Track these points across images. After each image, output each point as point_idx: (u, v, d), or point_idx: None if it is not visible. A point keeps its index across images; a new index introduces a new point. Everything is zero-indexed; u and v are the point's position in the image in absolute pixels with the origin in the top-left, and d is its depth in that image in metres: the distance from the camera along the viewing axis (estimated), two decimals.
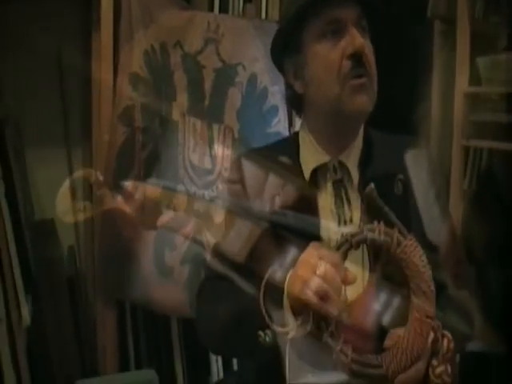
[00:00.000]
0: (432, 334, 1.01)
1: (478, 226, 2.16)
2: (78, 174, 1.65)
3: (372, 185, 1.06)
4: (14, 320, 1.82)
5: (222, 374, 2.29)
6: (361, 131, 1.29)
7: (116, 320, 2.12)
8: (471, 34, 2.35)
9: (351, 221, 1.22)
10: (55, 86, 2.33)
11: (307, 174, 1.25)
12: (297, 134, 1.34)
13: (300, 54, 1.24)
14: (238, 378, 1.53)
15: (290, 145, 1.31)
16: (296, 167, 1.27)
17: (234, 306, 1.14)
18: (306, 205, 1.21)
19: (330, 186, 1.24)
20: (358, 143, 1.28)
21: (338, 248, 1.02)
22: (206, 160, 2.12)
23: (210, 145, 2.13)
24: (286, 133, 2.27)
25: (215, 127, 2.14)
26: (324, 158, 1.25)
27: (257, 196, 1.24)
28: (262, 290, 1.04)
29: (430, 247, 1.08)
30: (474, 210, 2.28)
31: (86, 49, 2.29)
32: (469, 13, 2.35)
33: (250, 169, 1.31)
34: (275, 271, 1.05)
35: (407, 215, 1.16)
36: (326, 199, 1.23)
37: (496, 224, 2.11)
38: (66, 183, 1.59)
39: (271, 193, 1.22)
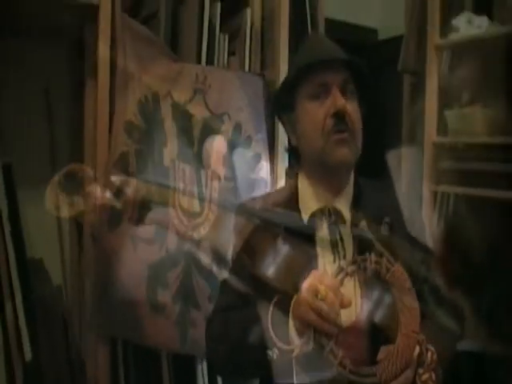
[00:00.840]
0: (418, 348, 1.16)
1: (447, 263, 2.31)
2: (68, 168, 1.74)
3: (364, 222, 1.28)
4: (13, 355, 1.86)
5: None
6: (351, 179, 1.44)
7: (108, 355, 2.14)
8: (438, 87, 2.53)
9: (344, 257, 1.36)
10: (45, 132, 2.41)
11: (305, 218, 1.39)
12: (296, 181, 1.48)
13: (294, 112, 1.42)
14: None
15: (291, 192, 1.46)
16: (296, 212, 1.41)
17: (242, 329, 1.27)
18: (305, 243, 1.35)
19: (325, 227, 1.38)
20: (350, 189, 1.43)
21: (336, 276, 1.18)
22: (195, 203, 2.22)
23: (199, 189, 2.23)
24: (268, 179, 2.38)
25: (203, 173, 2.25)
26: (320, 203, 1.40)
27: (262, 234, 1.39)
28: (269, 315, 1.19)
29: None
30: (442, 249, 2.43)
31: (76, 95, 2.40)
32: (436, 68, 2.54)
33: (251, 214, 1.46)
34: (280, 299, 1.20)
35: (394, 250, 1.29)
36: (322, 239, 1.37)
37: (463, 260, 2.27)
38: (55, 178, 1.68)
39: (274, 234, 1.36)
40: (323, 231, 1.38)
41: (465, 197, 2.48)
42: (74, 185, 2.05)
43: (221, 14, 2.41)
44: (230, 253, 1.99)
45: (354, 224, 1.35)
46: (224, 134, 2.30)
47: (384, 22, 3.60)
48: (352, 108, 1.37)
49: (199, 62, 2.35)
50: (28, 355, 1.85)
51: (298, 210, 1.41)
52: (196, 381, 2.36)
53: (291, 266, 1.25)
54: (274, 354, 1.19)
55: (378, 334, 1.23)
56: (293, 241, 1.32)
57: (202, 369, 2.37)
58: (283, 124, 1.50)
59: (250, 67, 2.49)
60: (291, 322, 1.18)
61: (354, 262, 1.19)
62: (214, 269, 2.16)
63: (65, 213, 1.87)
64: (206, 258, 2.19)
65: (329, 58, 1.38)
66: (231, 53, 2.48)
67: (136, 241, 2.07)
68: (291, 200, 1.43)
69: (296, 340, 1.17)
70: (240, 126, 2.34)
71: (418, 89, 2.67)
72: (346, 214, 1.39)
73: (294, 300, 1.19)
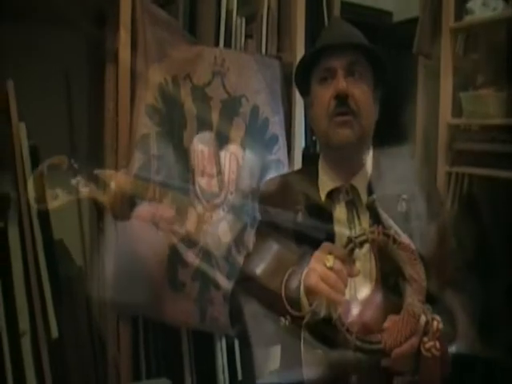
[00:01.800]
0: (423, 317, 1.20)
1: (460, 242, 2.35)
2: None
3: (374, 196, 1.34)
4: (39, 333, 1.91)
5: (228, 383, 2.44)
6: (368, 159, 1.49)
7: (129, 334, 2.21)
8: (453, 70, 2.56)
9: None
10: (66, 115, 2.46)
11: (323, 196, 1.44)
12: (317, 161, 1.54)
13: (308, 96, 1.48)
14: None
15: (311, 172, 1.52)
16: (315, 190, 1.46)
17: (260, 298, 1.32)
18: (324, 220, 1.41)
19: (343, 205, 1.44)
20: (367, 169, 1.48)
21: (345, 247, 1.23)
22: (214, 184, 2.27)
23: (217, 171, 2.28)
24: (285, 160, 2.43)
25: (221, 154, 2.30)
26: (337, 182, 1.45)
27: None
28: (283, 284, 1.26)
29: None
30: (455, 229, 2.47)
31: (96, 79, 2.44)
32: (451, 50, 2.56)
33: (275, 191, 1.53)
34: (294, 271, 1.26)
35: (407, 230, 1.33)
36: (340, 216, 1.42)
37: (475, 240, 2.31)
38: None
39: (294, 210, 1.42)
40: (340, 209, 1.43)
41: (478, 177, 2.52)
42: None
43: None
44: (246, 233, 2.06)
45: (371, 202, 1.40)
46: (242, 115, 2.34)
47: (399, 5, 3.61)
48: (359, 90, 1.41)
49: (217, 45, 2.40)
50: (55, 333, 1.90)
51: (318, 190, 1.46)
52: (215, 358, 2.43)
53: (308, 245, 1.30)
54: (286, 320, 1.24)
55: (388, 304, 1.28)
56: (311, 218, 1.38)
57: (221, 346, 2.43)
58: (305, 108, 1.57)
59: (266, 50, 2.52)
60: (302, 291, 1.24)
61: (362, 234, 1.24)
62: (233, 248, 2.21)
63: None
64: (224, 237, 2.24)
65: (333, 43, 1.42)
66: (248, 36, 2.52)
67: (156, 221, 2.12)
68: (311, 180, 1.49)
69: (307, 307, 1.22)
70: (257, 108, 2.38)
71: (433, 71, 2.69)
72: (363, 193, 1.44)
73: (305, 270, 1.24)
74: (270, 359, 1.55)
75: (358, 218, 1.42)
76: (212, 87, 2.29)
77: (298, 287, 1.25)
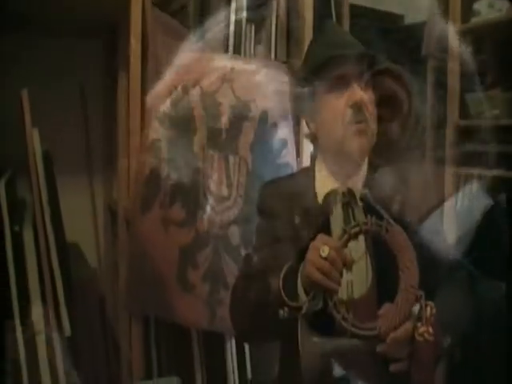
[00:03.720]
0: (417, 304, 1.25)
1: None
2: None
3: (366, 190, 1.38)
4: (53, 332, 1.97)
5: (238, 382, 2.47)
6: (365, 161, 1.53)
7: (141, 334, 2.27)
8: (460, 71, 2.58)
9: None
10: (81, 123, 2.54)
11: (320, 198, 1.49)
12: (314, 164, 1.58)
13: (314, 102, 1.51)
14: None
15: (308, 174, 1.56)
16: (312, 192, 1.51)
17: (259, 292, 1.39)
18: (321, 222, 1.45)
19: (339, 207, 1.47)
20: (363, 172, 1.52)
21: (339, 238, 1.30)
22: (223, 188, 2.32)
23: (227, 174, 2.33)
24: (294, 163, 2.47)
25: (231, 159, 2.35)
26: (334, 184, 1.49)
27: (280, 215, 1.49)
28: (281, 277, 1.31)
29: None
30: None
31: (110, 88, 2.51)
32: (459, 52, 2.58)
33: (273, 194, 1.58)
34: (291, 265, 1.32)
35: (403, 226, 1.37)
36: (336, 217, 1.46)
37: (484, 240, 2.32)
38: None
39: (292, 213, 1.47)
40: (337, 211, 1.47)
41: (487, 179, 2.53)
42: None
43: (247, 5, 2.50)
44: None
45: (364, 195, 1.44)
46: (251, 120, 2.38)
47: (410, 8, 3.63)
48: (369, 98, 1.46)
49: (227, 51, 2.45)
50: (67, 331, 1.96)
51: (315, 192, 1.51)
52: (225, 358, 2.47)
53: (306, 245, 1.35)
54: (284, 312, 1.29)
55: (383, 292, 1.32)
56: (308, 220, 1.43)
57: (231, 346, 2.48)
58: (302, 112, 1.60)
59: (275, 56, 2.57)
60: (299, 282, 1.30)
61: (356, 225, 1.30)
62: (242, 250, 2.26)
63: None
64: (234, 240, 2.29)
65: (349, 53, 1.46)
66: (258, 42, 2.57)
67: (167, 224, 2.18)
68: (309, 182, 1.54)
69: (303, 298, 1.28)
70: (266, 113, 2.42)
71: (442, 73, 2.71)
72: (359, 194, 1.48)
73: (302, 262, 1.30)
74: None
75: (355, 219, 1.46)
76: (221, 93, 2.34)
77: (296, 278, 1.31)
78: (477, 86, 2.54)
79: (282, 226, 1.48)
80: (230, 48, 2.47)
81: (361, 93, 1.43)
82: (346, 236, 1.30)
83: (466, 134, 2.59)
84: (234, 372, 2.46)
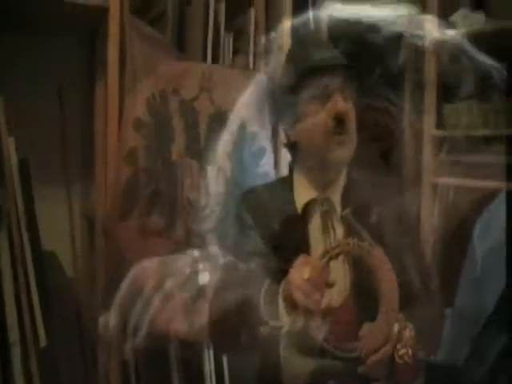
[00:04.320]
0: (397, 325, 1.26)
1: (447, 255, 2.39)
2: None
3: (348, 209, 1.37)
4: (28, 343, 1.94)
5: None
6: (344, 171, 1.53)
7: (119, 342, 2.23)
8: (437, 84, 2.61)
9: None
10: (58, 130, 2.50)
11: (299, 207, 1.48)
12: (292, 173, 1.58)
13: (294, 112, 1.50)
14: None
15: (286, 183, 1.55)
16: (291, 201, 1.50)
17: (239, 307, 1.36)
18: (299, 230, 1.45)
19: (318, 216, 1.47)
20: (342, 181, 1.52)
21: (321, 259, 1.29)
22: (201, 197, 2.30)
23: (205, 183, 2.32)
24: (272, 172, 2.47)
25: (209, 168, 2.33)
26: (313, 194, 1.49)
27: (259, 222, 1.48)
28: (262, 295, 1.31)
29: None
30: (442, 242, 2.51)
31: (87, 94, 2.49)
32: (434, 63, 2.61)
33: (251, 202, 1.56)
34: (271, 284, 1.30)
35: (379, 241, 1.39)
36: (315, 227, 1.47)
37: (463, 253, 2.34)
38: None
39: (271, 222, 1.47)
40: (315, 220, 1.47)
41: (465, 189, 2.55)
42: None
43: (225, 14, 2.50)
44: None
45: (346, 214, 1.44)
46: (229, 130, 2.38)
47: (388, 18, 3.66)
48: (349, 109, 1.46)
49: (205, 60, 2.44)
50: (43, 342, 1.93)
51: (293, 201, 1.50)
52: (203, 366, 2.44)
53: (285, 255, 1.34)
54: (265, 330, 1.28)
55: (362, 313, 1.33)
56: (287, 230, 1.42)
57: (209, 354, 2.45)
58: (279, 121, 1.59)
59: (254, 65, 2.57)
60: (281, 301, 1.28)
61: (337, 246, 1.30)
62: (221, 259, 2.25)
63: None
64: (213, 250, 2.28)
65: (332, 63, 1.47)
66: (236, 51, 2.57)
67: (145, 233, 2.16)
68: (287, 192, 1.53)
69: (285, 318, 1.27)
70: (245, 122, 2.42)
71: (418, 85, 2.73)
72: (337, 204, 1.48)
73: (283, 281, 1.29)
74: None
75: (333, 228, 1.46)
76: (200, 101, 2.34)
77: (276, 298, 1.29)
78: (453, 96, 2.57)
79: (261, 236, 1.47)
80: (209, 57, 2.46)
81: (343, 104, 1.44)
82: (327, 256, 1.30)
83: (441, 144, 2.61)
84: (211, 381, 2.44)
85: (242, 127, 2.41)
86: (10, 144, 1.90)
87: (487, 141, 2.42)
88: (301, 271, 1.25)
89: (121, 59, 2.20)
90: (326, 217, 1.47)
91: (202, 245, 2.25)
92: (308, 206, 1.49)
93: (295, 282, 1.24)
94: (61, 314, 2.20)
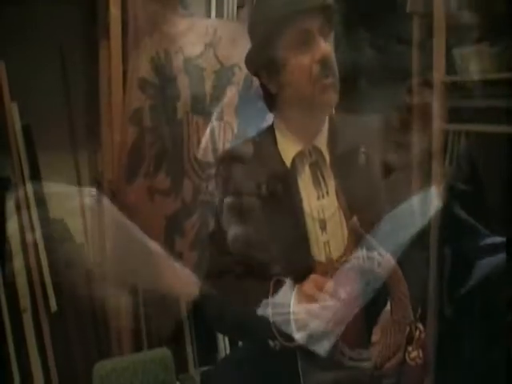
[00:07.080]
0: (408, 328, 1.28)
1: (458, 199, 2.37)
2: None
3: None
4: (40, 309, 1.98)
5: (228, 351, 2.49)
6: (326, 118, 1.50)
7: (130, 307, 2.29)
8: (446, 27, 2.54)
9: (327, 193, 1.42)
10: (61, 92, 2.49)
11: (288, 162, 1.45)
12: (272, 127, 1.53)
13: (274, 61, 1.44)
14: (243, 353, 1.78)
15: (269, 137, 1.50)
16: (278, 156, 1.48)
17: (242, 316, 1.39)
18: (290, 186, 1.43)
19: (307, 168, 1.45)
20: (325, 127, 1.48)
21: (332, 276, 1.27)
22: (209, 154, 2.31)
23: (212, 140, 2.32)
24: None
25: (216, 124, 2.33)
26: (300, 145, 1.45)
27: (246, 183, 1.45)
28: (270, 314, 1.29)
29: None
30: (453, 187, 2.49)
31: (90, 56, 2.47)
32: (444, 8, 2.54)
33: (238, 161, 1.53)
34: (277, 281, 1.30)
35: (371, 182, 1.39)
36: (305, 179, 1.44)
37: (473, 198, 2.32)
38: None
39: (259, 180, 1.44)
40: (305, 172, 1.44)
41: (475, 134, 2.52)
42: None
43: None
44: None
45: (333, 161, 1.42)
46: (235, 85, 2.36)
47: None
48: (331, 50, 1.42)
49: (209, 15, 2.42)
50: (53, 307, 1.96)
51: (280, 157, 1.48)
52: None
53: (278, 222, 1.35)
54: (276, 346, 1.29)
55: (372, 316, 1.33)
56: (277, 187, 1.41)
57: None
58: (259, 75, 1.52)
59: None
60: (292, 320, 1.27)
61: (347, 261, 1.27)
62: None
63: None
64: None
65: (310, 5, 1.40)
66: (240, 5, 2.53)
67: (152, 193, 2.17)
68: (271, 147, 1.49)
69: (296, 335, 1.26)
70: (250, 77, 2.37)
71: (427, 29, 2.67)
72: (325, 151, 1.45)
73: (293, 302, 1.28)
74: None
75: (324, 179, 1.44)
76: (204, 58, 2.32)
77: (288, 320, 1.28)
78: (464, 40, 2.51)
79: (248, 202, 1.44)
80: (213, 12, 2.43)
81: (326, 46, 1.39)
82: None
83: (452, 89, 2.56)
84: (224, 340, 2.47)
85: (248, 82, 2.39)
86: (14, 110, 1.89)
87: (498, 84, 2.37)
88: (311, 294, 1.25)
89: (123, 18, 2.19)
90: (316, 168, 1.44)
91: (210, 202, 2.25)
92: (295, 160, 1.45)
93: (306, 306, 1.25)
94: (71, 279, 2.23)
